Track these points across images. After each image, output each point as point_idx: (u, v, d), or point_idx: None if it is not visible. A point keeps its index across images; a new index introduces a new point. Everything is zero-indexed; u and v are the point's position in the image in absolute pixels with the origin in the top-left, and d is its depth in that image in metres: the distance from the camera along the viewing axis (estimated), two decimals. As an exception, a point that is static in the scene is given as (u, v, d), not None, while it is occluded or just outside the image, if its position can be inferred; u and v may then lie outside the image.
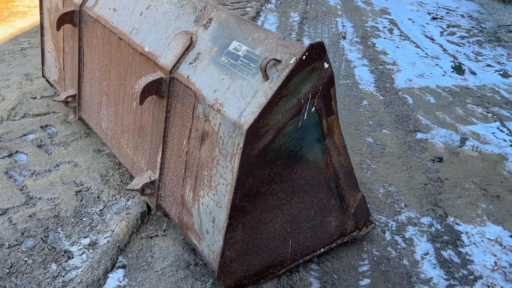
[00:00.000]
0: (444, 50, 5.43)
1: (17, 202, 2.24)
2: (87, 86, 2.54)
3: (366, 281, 2.11)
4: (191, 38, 1.81)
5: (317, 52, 1.50)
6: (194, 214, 1.84)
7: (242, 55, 1.62)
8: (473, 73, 4.87)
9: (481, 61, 5.26)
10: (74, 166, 2.55)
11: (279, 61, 1.49)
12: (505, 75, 4.93)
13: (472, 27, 6.59)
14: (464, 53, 5.41)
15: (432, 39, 5.78)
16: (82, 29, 2.45)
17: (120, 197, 2.36)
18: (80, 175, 2.48)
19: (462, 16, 7.11)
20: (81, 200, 2.32)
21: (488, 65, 5.15)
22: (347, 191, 1.99)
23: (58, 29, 2.40)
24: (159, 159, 1.99)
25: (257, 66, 1.56)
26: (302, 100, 1.54)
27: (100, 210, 2.27)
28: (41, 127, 2.86)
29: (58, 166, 2.54)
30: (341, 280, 2.09)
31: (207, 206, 1.74)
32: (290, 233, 1.89)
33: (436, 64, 4.94)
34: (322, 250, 2.10)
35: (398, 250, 2.32)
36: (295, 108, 1.54)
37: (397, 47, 5.30)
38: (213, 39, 1.75)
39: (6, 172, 2.43)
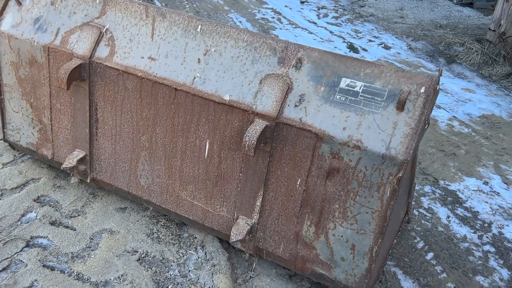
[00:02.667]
0: (331, 32, 6.05)
1: (91, 294, 1.96)
2: (106, 144, 2.26)
3: (430, 254, 2.47)
4: (286, 80, 1.82)
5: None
6: (318, 246, 1.91)
7: (360, 91, 1.73)
8: (364, 49, 5.57)
9: (362, 37, 6.02)
10: (111, 234, 2.29)
11: (402, 92, 1.66)
12: (386, 47, 5.76)
13: (334, 6, 7.40)
14: (347, 33, 6.11)
15: (315, 23, 6.35)
16: (94, 83, 2.16)
17: (186, 251, 2.23)
18: (127, 242, 2.25)
19: (318, -5, 7.88)
20: (151, 268, 2.13)
21: (370, 40, 5.94)
22: (412, 181, 2.27)
23: (68, 88, 2.08)
24: (258, 203, 1.97)
25: (384, 99, 1.69)
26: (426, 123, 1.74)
27: (179, 272, 2.13)
28: (35, 200, 2.44)
29: (94, 239, 2.25)
30: (413, 261, 2.40)
31: (342, 236, 1.84)
32: (390, 236, 2.11)
33: (335, 47, 5.50)
34: (395, 241, 2.37)
35: (430, 221, 2.73)
36: (424, 132, 1.74)
37: (295, 36, 5.71)
38: (314, 79, 1.80)
39: (43, 265, 2.07)
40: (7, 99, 2.46)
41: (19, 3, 2.31)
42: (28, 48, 2.27)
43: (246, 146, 1.74)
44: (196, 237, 2.32)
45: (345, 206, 1.79)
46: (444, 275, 2.35)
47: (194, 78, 1.95)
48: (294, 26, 6.03)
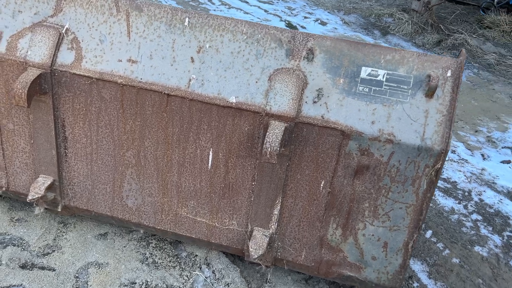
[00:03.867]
0: (266, 11, 5.88)
1: None
2: (79, 165, 1.92)
3: (429, 232, 2.47)
4: (299, 75, 1.63)
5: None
6: (345, 249, 1.78)
7: (384, 80, 1.59)
8: (303, 27, 5.49)
9: (296, 14, 5.93)
10: (99, 267, 1.98)
11: (430, 77, 1.55)
12: (322, 23, 5.73)
13: (260, -17, 7.21)
14: (281, 11, 5.98)
15: (247, 2, 6.13)
16: (59, 96, 1.80)
17: (190, 273, 2.00)
18: (120, 274, 1.95)
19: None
20: (157, 300, 1.87)
21: (305, 17, 5.87)
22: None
23: (29, 105, 1.70)
24: (276, 212, 1.78)
25: (411, 87, 1.57)
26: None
27: (189, 298, 1.90)
28: (-7, 242, 2.04)
29: (80, 277, 1.92)
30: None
31: (373, 235, 1.72)
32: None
33: (273, 26, 5.35)
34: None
35: (418, 198, 2.73)
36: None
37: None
38: (330, 71, 1.63)
39: (27, 322, 1.72)
40: None
41: None
42: (-38, 59, 1.82)
43: (268, 153, 1.54)
44: (197, 255, 2.08)
45: (376, 204, 1.67)
46: (447, 251, 2.36)
47: (190, 80, 1.68)
48: (227, 7, 5.77)
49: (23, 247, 2.02)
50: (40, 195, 1.91)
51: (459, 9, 6.79)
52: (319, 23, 5.68)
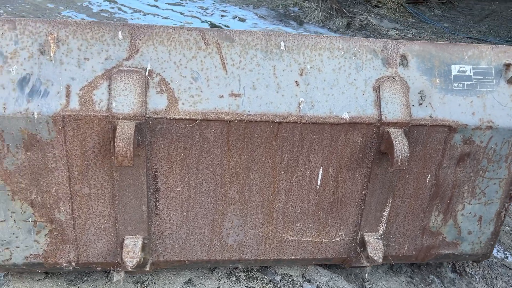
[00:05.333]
0: (181, 13, 5.71)
1: None
2: (172, 215, 1.75)
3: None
4: (401, 81, 1.71)
5: (515, 47, 1.86)
6: (445, 231, 1.95)
7: (472, 74, 1.77)
8: (227, 26, 5.49)
9: (212, 13, 5.89)
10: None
11: (508, 66, 1.78)
12: (241, 19, 5.80)
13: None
14: (196, 11, 5.87)
15: (157, 6, 5.88)
16: (152, 146, 1.61)
17: (295, 295, 1.98)
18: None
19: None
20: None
21: (222, 16, 5.87)
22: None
23: (132, 163, 1.50)
24: (385, 214, 1.86)
25: (494, 77, 1.78)
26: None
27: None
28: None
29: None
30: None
31: (471, 212, 1.92)
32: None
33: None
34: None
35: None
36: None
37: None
38: (426, 73, 1.74)
39: None
40: (-21, 209, 1.62)
41: (-24, 63, 1.49)
42: (22, 125, 1.51)
43: (399, 161, 1.61)
44: (291, 275, 2.06)
45: (474, 185, 1.86)
46: None
47: (299, 104, 1.65)
48: (142, 13, 5.46)
49: (116, 321, 1.79)
50: (138, 259, 1.70)
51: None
52: (238, 20, 5.73)
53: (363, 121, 1.68)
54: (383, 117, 1.68)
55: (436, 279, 2.16)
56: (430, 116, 1.72)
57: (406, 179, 1.82)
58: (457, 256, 2.04)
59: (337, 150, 1.73)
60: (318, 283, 2.02)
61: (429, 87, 1.74)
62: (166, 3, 6.04)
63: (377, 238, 1.88)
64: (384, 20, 6.38)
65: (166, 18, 5.43)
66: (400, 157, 1.60)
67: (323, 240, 1.91)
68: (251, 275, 2.04)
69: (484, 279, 2.19)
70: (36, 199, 1.64)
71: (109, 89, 1.55)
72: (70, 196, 1.65)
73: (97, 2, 5.63)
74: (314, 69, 1.68)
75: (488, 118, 1.75)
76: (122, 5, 5.71)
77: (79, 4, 5.51)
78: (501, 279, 2.19)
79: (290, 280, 2.04)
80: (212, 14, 5.83)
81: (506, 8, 8.10)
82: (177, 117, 1.58)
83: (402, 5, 6.90)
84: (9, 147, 1.54)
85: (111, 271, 1.84)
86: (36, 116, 1.51)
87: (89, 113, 1.53)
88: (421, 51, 1.76)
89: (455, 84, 1.76)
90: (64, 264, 1.78)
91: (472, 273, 2.21)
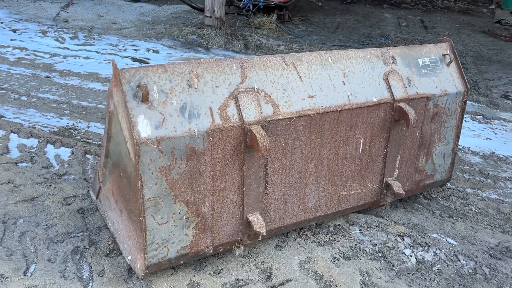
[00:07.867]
0: (97, 52, 5.96)
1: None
2: (275, 192, 2.40)
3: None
4: (396, 73, 2.66)
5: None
6: (427, 167, 2.96)
7: (429, 63, 2.81)
8: (147, 58, 5.95)
9: (125, 49, 6.25)
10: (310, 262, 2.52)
11: (445, 55, 2.88)
12: (155, 51, 6.30)
13: (48, 27, 6.94)
14: (110, 49, 6.17)
15: (68, 48, 6.02)
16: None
17: (347, 236, 2.78)
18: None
19: None
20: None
21: (135, 50, 6.27)
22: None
23: (268, 153, 2.13)
24: (397, 162, 2.79)
25: (442, 63, 2.85)
26: (445, 69, 3.01)
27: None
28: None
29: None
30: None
31: (439, 152, 2.97)
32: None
33: (126, 64, 5.61)
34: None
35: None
36: (448, 73, 3.01)
37: (81, 65, 5.39)
38: (406, 65, 2.72)
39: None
40: (150, 215, 2.05)
41: (147, 100, 1.95)
42: (187, 141, 2.02)
43: (413, 122, 2.55)
44: (339, 224, 2.84)
45: (440, 133, 2.91)
46: (413, 161, 3.82)
47: (348, 96, 2.47)
48: (62, 56, 5.58)
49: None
50: (265, 227, 2.30)
51: (234, 15, 8.40)
52: (153, 52, 6.22)
53: (384, 101, 2.57)
54: (394, 97, 2.60)
55: (419, 206, 3.17)
56: (416, 92, 2.70)
57: (407, 136, 2.77)
58: (433, 184, 3.07)
59: (370, 124, 2.58)
60: (359, 223, 2.84)
61: (411, 74, 2.72)
62: (74, 44, 6.20)
63: (395, 180, 2.79)
64: (270, 39, 7.52)
65: (87, 58, 5.65)
66: (413, 119, 2.54)
67: (363, 190, 2.74)
68: (314, 232, 2.76)
69: (444, 198, 3.28)
70: (190, 198, 2.13)
71: (237, 105, 2.15)
72: (212, 191, 2.18)
73: (10, 51, 5.54)
74: (351, 72, 2.52)
75: (444, 88, 2.81)
76: (34, 51, 5.72)
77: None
78: (453, 195, 3.31)
79: (340, 227, 2.82)
80: (126, 49, 6.20)
81: (347, 20, 10.03)
82: (282, 118, 2.26)
83: (277, 25, 8.15)
84: (176, 160, 2.03)
85: (234, 247, 2.38)
86: (196, 133, 2.03)
87: (228, 124, 2.11)
88: (401, 53, 2.74)
89: (423, 71, 2.77)
90: (205, 250, 2.27)
91: (436, 196, 3.28)
